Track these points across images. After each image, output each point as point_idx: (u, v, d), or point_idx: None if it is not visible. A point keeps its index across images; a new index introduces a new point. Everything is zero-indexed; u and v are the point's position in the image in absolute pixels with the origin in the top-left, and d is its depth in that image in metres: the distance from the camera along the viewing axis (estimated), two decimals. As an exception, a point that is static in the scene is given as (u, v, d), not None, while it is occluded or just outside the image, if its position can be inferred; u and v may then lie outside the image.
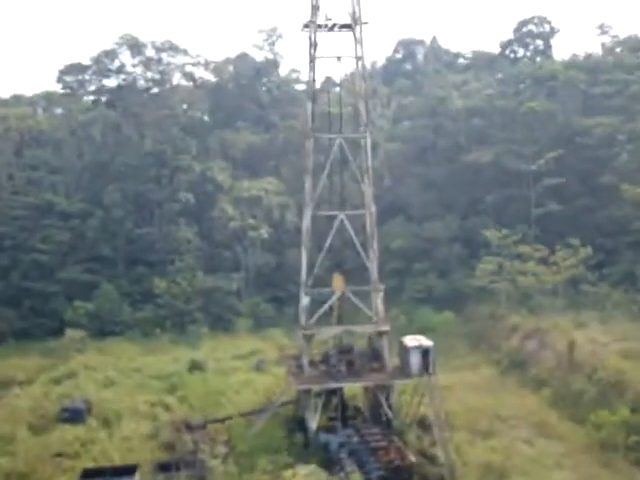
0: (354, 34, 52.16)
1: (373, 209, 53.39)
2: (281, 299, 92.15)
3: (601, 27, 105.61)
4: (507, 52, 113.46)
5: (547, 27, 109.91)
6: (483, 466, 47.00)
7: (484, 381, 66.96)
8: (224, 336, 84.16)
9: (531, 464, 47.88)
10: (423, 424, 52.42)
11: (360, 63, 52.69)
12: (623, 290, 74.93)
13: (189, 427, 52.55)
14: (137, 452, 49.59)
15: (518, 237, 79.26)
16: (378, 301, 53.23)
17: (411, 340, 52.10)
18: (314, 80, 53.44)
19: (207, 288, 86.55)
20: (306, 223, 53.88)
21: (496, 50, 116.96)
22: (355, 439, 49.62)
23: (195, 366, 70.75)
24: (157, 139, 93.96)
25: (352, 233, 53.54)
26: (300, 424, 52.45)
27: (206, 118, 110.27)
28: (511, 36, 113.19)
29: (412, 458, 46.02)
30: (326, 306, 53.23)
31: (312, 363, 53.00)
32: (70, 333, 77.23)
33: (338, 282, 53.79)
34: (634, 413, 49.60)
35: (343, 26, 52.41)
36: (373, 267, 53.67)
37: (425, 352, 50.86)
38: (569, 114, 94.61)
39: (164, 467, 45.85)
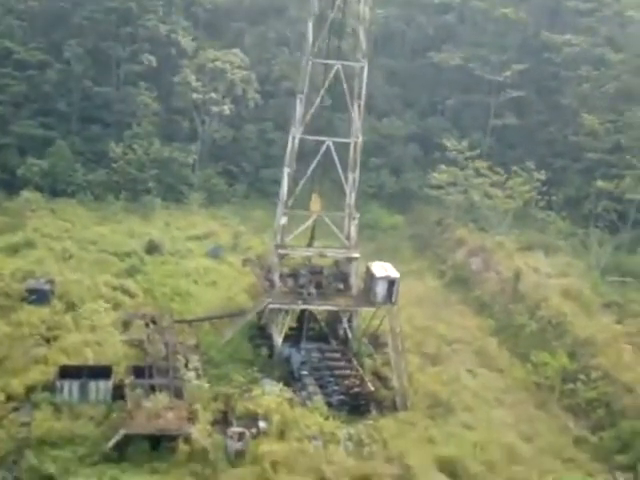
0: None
1: (360, 139, 54.17)
2: (233, 173, 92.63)
3: None
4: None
5: None
6: (431, 396, 51.25)
7: (429, 293, 70.73)
8: (177, 210, 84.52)
9: (474, 398, 52.43)
10: (376, 342, 56.44)
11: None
12: (566, 217, 78.54)
13: (156, 324, 54.62)
14: (107, 348, 50.96)
15: (476, 153, 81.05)
16: (352, 228, 55.26)
17: (378, 268, 54.73)
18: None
19: (163, 158, 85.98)
20: (291, 145, 54.19)
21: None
22: (316, 356, 53.03)
23: (152, 246, 71.99)
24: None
25: (336, 159, 54.29)
26: (262, 333, 55.42)
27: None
28: None
29: (371, 387, 49.80)
30: (303, 227, 54.87)
31: (280, 276, 55.26)
32: (25, 194, 76.59)
33: (315, 203, 55.25)
34: (572, 360, 54.37)
35: None
36: (351, 195, 55.13)
37: (391, 283, 53.82)
38: (540, 26, 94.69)
39: (137, 371, 47.94)
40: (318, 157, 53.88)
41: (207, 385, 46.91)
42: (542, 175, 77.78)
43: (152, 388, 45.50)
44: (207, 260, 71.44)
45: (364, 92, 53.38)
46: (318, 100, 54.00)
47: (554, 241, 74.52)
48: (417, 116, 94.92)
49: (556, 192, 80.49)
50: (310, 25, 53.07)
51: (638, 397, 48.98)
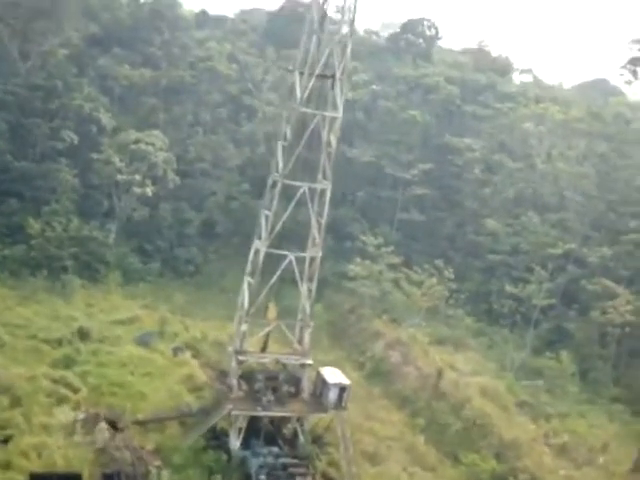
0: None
1: (319, 254, 57.79)
2: (148, 252, 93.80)
3: (479, 43, 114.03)
4: (392, 45, 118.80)
5: (433, 31, 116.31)
6: (380, 498, 55.04)
7: (352, 387, 74.48)
8: (94, 289, 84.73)
9: (417, 499, 56.68)
10: (320, 442, 59.50)
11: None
12: (470, 312, 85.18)
13: (113, 426, 55.29)
14: (68, 451, 51.22)
15: (390, 249, 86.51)
16: (306, 335, 58.48)
17: (330, 375, 58.16)
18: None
19: (82, 236, 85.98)
20: (254, 257, 56.82)
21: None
22: (274, 460, 55.34)
23: (82, 333, 71.86)
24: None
25: (296, 271, 57.51)
26: (212, 434, 57.10)
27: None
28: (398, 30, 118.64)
29: (330, 492, 52.88)
30: (261, 334, 57.59)
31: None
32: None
33: (272, 313, 58.20)
34: (499, 461, 59.69)
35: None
36: (306, 306, 58.46)
37: (342, 389, 57.36)
38: (442, 128, 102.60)
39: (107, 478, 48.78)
40: (279, 272, 56.82)
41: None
42: (451, 274, 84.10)
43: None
44: (137, 348, 71.91)
45: (326, 211, 57.12)
46: (284, 217, 56.70)
47: (463, 337, 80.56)
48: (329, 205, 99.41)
49: (459, 288, 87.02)
50: (280, 148, 56.41)
51: (564, 500, 54.77)
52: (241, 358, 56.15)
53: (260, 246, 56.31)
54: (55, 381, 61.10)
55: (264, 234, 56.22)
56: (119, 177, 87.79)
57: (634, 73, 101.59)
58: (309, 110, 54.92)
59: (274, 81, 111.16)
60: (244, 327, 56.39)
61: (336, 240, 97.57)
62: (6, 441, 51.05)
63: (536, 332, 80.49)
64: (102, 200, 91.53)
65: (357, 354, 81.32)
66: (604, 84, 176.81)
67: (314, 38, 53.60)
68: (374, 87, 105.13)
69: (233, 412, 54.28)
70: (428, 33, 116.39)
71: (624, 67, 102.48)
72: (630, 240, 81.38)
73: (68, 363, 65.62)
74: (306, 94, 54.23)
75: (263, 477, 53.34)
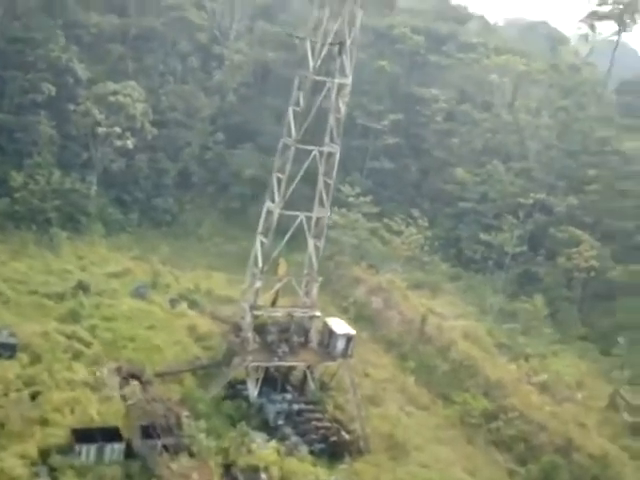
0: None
1: (328, 214, 61.18)
2: (126, 202, 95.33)
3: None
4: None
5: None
6: (386, 438, 59.61)
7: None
8: (79, 242, 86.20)
9: (418, 437, 61.49)
10: (324, 387, 63.95)
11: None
12: (442, 258, 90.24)
13: (137, 379, 58.15)
14: (104, 409, 53.46)
15: (369, 199, 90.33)
16: (314, 289, 62.40)
17: (337, 325, 62.32)
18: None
19: (65, 189, 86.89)
20: (265, 216, 59.89)
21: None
22: (286, 407, 59.44)
23: (82, 287, 73.81)
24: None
25: (307, 231, 60.92)
26: (229, 383, 60.75)
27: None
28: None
29: (346, 436, 57.40)
30: (272, 291, 61.03)
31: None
32: None
33: (282, 268, 61.70)
34: (488, 401, 65.32)
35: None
36: (313, 258, 62.12)
37: (349, 339, 61.62)
38: (410, 78, 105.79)
39: (145, 431, 51.88)
40: (291, 231, 60.22)
41: (214, 443, 52.12)
42: (425, 222, 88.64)
43: (164, 448, 50.11)
44: (135, 301, 74.16)
45: (335, 173, 60.28)
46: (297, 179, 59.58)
47: (439, 282, 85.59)
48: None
49: (432, 232, 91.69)
50: (291, 113, 58.98)
51: (551, 434, 60.58)
52: (256, 313, 59.68)
53: (273, 208, 59.23)
54: (68, 336, 62.94)
55: (277, 196, 59.13)
56: (99, 130, 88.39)
57: (591, 27, 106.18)
58: (321, 77, 57.46)
59: (240, 30, 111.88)
60: (258, 284, 59.74)
61: (312, 189, 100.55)
62: (34, 397, 52.99)
63: (506, 276, 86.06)
64: (80, 152, 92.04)
65: (340, 299, 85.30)
66: (545, 27, 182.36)
67: (326, 9, 56.03)
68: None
69: (253, 363, 58.04)
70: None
71: (582, 21, 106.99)
72: (593, 190, 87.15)
73: (75, 318, 67.60)
74: (318, 63, 56.80)
75: (281, 422, 57.60)
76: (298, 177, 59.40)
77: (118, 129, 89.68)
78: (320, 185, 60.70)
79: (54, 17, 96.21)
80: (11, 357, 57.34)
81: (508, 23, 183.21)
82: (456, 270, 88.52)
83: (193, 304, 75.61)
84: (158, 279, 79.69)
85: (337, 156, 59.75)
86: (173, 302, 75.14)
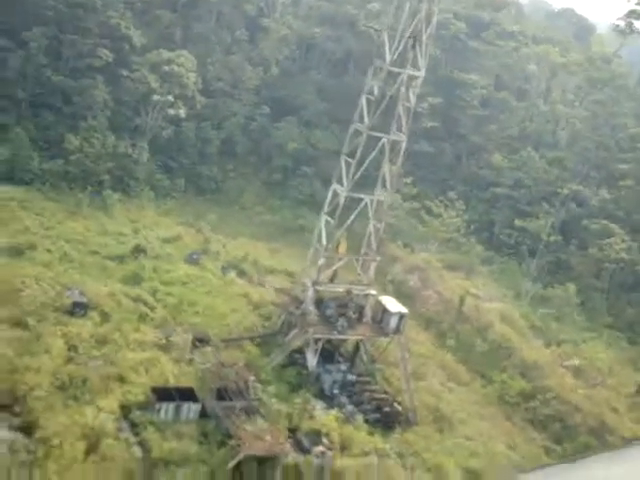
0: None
1: (391, 198, 64.49)
2: (173, 169, 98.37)
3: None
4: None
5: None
6: (432, 410, 63.57)
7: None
8: (130, 205, 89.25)
9: (460, 412, 65.57)
10: (372, 361, 67.85)
11: None
12: (476, 239, 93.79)
13: (205, 343, 61.67)
14: (178, 371, 56.90)
15: (409, 180, 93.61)
16: (371, 268, 65.96)
17: (390, 303, 65.98)
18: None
19: (119, 153, 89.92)
20: (332, 198, 63.23)
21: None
22: (345, 377, 63.16)
23: (140, 250, 77.08)
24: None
25: (370, 212, 64.27)
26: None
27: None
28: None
29: (398, 407, 61.44)
30: (333, 268, 64.52)
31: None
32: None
33: (342, 247, 65.17)
34: (526, 381, 69.35)
35: None
36: (372, 239, 65.62)
37: (401, 317, 65.35)
38: (450, 63, 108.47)
39: (218, 394, 55.47)
40: (356, 212, 63.62)
41: (283, 407, 56.03)
42: (462, 206, 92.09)
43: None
44: (190, 267, 77.69)
45: (400, 161, 63.50)
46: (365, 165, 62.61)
47: (474, 264, 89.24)
48: (343, 132, 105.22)
49: (468, 216, 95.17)
50: (364, 101, 62.03)
51: (586, 416, 64.76)
52: (318, 288, 63.29)
53: (341, 191, 62.53)
54: (133, 299, 66.38)
55: (345, 180, 62.39)
56: (154, 97, 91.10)
57: (629, 25, 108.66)
58: (395, 69, 60.44)
59: (286, 3, 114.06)
60: (322, 261, 63.24)
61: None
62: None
63: (538, 263, 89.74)
64: (132, 117, 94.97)
65: (379, 275, 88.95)
66: (570, 14, 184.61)
67: (407, 4, 58.90)
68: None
69: (315, 335, 61.77)
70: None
71: (621, 19, 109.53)
72: (625, 185, 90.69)
73: (136, 280, 70.87)
74: (395, 55, 59.76)
75: (336, 391, 61.46)
76: (366, 162, 62.31)
77: (171, 97, 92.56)
78: (385, 170, 63.85)
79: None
80: (84, 316, 60.79)
81: (534, 8, 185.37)
82: (489, 254, 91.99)
83: (241, 273, 79.28)
84: (208, 246, 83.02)
85: (403, 145, 62.81)
86: (224, 270, 78.63)
